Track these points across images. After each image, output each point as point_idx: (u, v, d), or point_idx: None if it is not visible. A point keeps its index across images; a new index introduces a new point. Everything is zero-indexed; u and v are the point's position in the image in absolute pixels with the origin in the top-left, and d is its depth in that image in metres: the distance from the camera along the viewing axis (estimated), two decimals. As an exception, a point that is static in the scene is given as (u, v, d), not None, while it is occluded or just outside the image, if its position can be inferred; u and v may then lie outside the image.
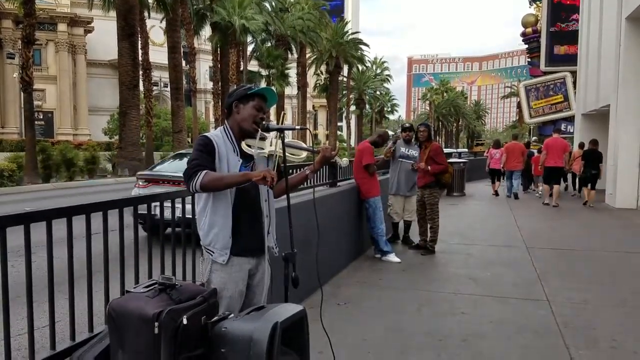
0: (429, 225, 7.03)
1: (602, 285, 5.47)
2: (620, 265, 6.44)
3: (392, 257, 6.53)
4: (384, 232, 6.68)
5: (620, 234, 8.79)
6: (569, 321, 4.28)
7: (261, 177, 2.31)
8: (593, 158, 12.47)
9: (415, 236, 7.42)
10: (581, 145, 14.23)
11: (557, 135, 13.63)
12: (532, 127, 36.29)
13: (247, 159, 2.59)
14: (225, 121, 2.68)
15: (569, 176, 16.20)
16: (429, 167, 6.85)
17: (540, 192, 14.39)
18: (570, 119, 25.84)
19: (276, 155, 2.58)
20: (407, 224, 7.54)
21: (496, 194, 15.20)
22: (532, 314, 4.52)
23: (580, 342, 3.84)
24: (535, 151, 16.11)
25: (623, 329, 4.13)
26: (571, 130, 24.37)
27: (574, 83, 23.81)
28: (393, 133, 8.70)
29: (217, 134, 2.61)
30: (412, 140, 7.34)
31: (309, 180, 2.92)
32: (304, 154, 2.71)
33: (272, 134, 2.60)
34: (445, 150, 17.00)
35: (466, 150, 41.62)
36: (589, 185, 12.54)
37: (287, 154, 2.61)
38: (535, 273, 5.93)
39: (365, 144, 6.85)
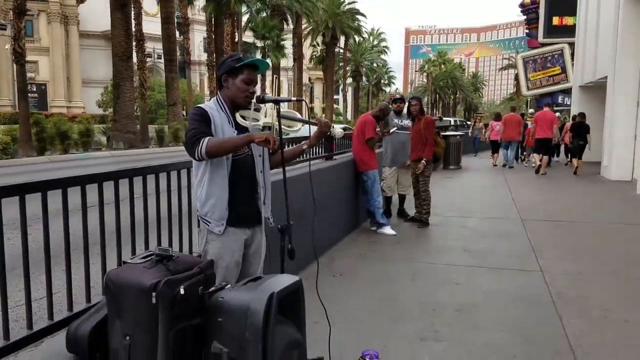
0: (422, 197, 7.04)
1: (595, 256, 5.53)
2: (613, 236, 6.50)
3: (388, 230, 6.55)
4: (381, 205, 6.70)
5: (614, 206, 8.85)
6: (562, 291, 4.34)
7: (264, 139, 2.33)
8: (581, 130, 13.50)
9: (410, 209, 7.46)
10: (574, 119, 14.79)
11: (548, 109, 14.75)
12: (529, 100, 36.13)
13: (241, 130, 2.58)
14: (218, 92, 2.66)
15: (562, 147, 16.98)
16: (423, 161, 6.79)
17: (533, 163, 14.69)
18: (567, 91, 25.66)
19: (273, 126, 2.57)
20: (402, 197, 7.56)
21: (495, 164, 15.95)
22: (526, 284, 4.58)
23: (573, 311, 3.90)
24: (529, 123, 16.60)
25: (615, 298, 4.19)
26: (568, 103, 24.28)
27: (572, 55, 23.61)
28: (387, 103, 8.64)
29: (211, 106, 2.60)
30: (403, 111, 7.31)
31: (305, 154, 2.92)
32: (299, 125, 2.70)
33: (267, 104, 2.58)
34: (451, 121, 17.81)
35: (470, 122, 41.38)
36: (577, 155, 13.53)
37: (282, 125, 2.60)
38: (529, 245, 5.98)
39: (368, 116, 6.77)
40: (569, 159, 15.81)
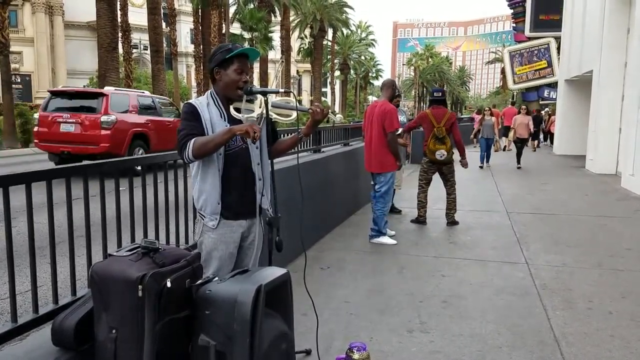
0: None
1: (580, 248, 5.59)
2: (597, 229, 6.57)
3: (386, 240, 5.76)
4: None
5: (599, 199, 8.96)
6: (547, 283, 4.39)
7: (244, 131, 2.34)
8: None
9: (398, 203, 7.47)
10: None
11: (511, 106, 20.87)
12: (515, 93, 36.29)
13: (235, 123, 2.56)
14: (212, 86, 2.67)
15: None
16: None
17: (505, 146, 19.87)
18: (553, 85, 25.81)
19: (261, 116, 2.56)
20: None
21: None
22: (511, 276, 4.63)
23: (557, 302, 3.94)
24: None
25: (599, 290, 4.25)
26: (554, 97, 24.43)
27: (558, 49, 23.76)
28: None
29: (201, 101, 2.63)
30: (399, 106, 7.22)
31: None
32: (294, 114, 2.68)
33: (260, 96, 2.58)
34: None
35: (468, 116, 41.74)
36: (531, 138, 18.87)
37: (276, 115, 2.62)
38: (515, 237, 6.03)
39: (388, 104, 5.72)
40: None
